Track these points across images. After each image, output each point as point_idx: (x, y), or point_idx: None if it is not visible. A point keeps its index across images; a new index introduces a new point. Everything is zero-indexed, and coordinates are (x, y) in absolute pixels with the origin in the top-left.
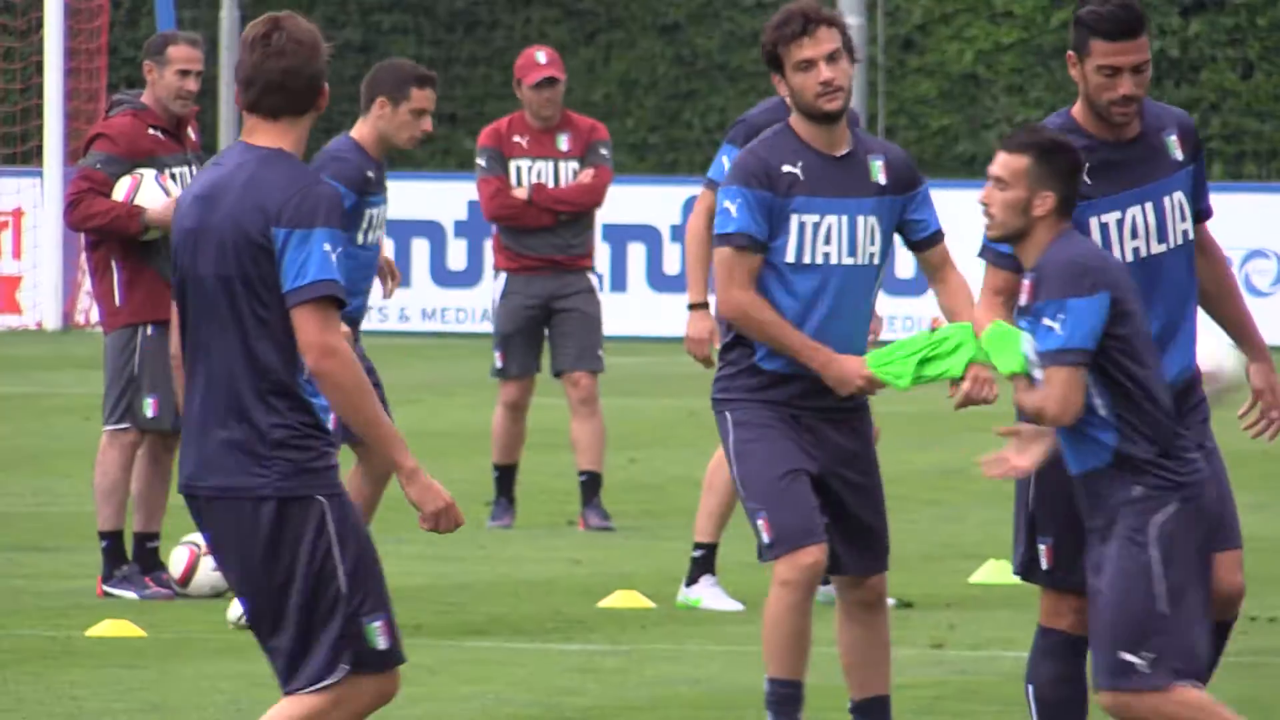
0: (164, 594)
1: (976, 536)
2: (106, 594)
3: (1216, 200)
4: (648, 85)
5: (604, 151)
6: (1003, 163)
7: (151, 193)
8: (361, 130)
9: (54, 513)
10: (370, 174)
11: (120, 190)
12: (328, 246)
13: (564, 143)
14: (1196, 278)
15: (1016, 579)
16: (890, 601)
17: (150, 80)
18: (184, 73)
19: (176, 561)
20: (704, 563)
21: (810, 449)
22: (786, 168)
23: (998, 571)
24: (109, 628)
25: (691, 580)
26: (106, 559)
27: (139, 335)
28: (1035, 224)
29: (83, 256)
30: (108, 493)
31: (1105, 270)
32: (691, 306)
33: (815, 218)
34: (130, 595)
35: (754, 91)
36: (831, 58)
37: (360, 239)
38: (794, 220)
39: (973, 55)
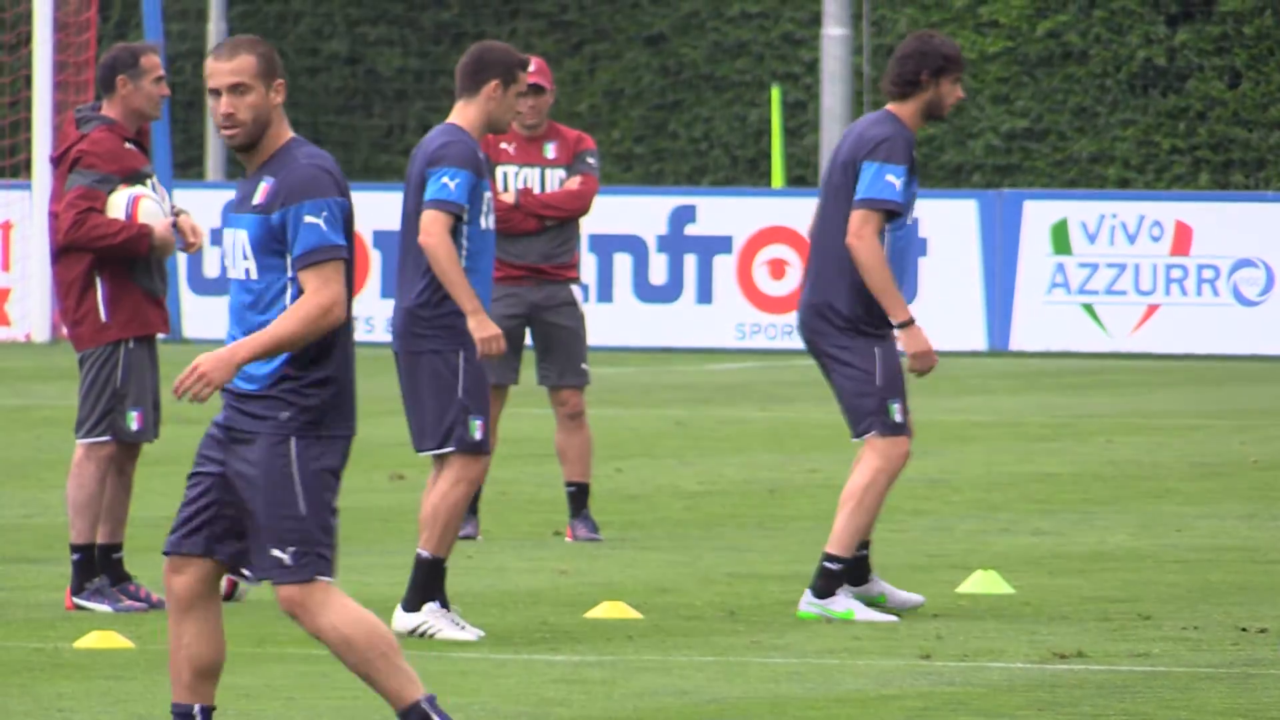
0: (138, 607)
1: (964, 547)
2: (77, 607)
3: (1204, 209)
4: (633, 96)
5: (591, 161)
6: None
7: (152, 211)
8: (466, 115)
9: (41, 524)
10: (481, 156)
11: (117, 208)
12: None
13: (551, 151)
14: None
15: (1005, 589)
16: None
17: (124, 93)
18: (159, 79)
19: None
20: (840, 576)
21: None
22: None
23: (985, 582)
24: (97, 639)
25: (826, 593)
26: (77, 571)
27: (121, 349)
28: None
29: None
30: (83, 505)
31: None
32: (905, 324)
33: None
34: (104, 608)
35: (740, 101)
36: None
37: (483, 223)
38: None
39: None
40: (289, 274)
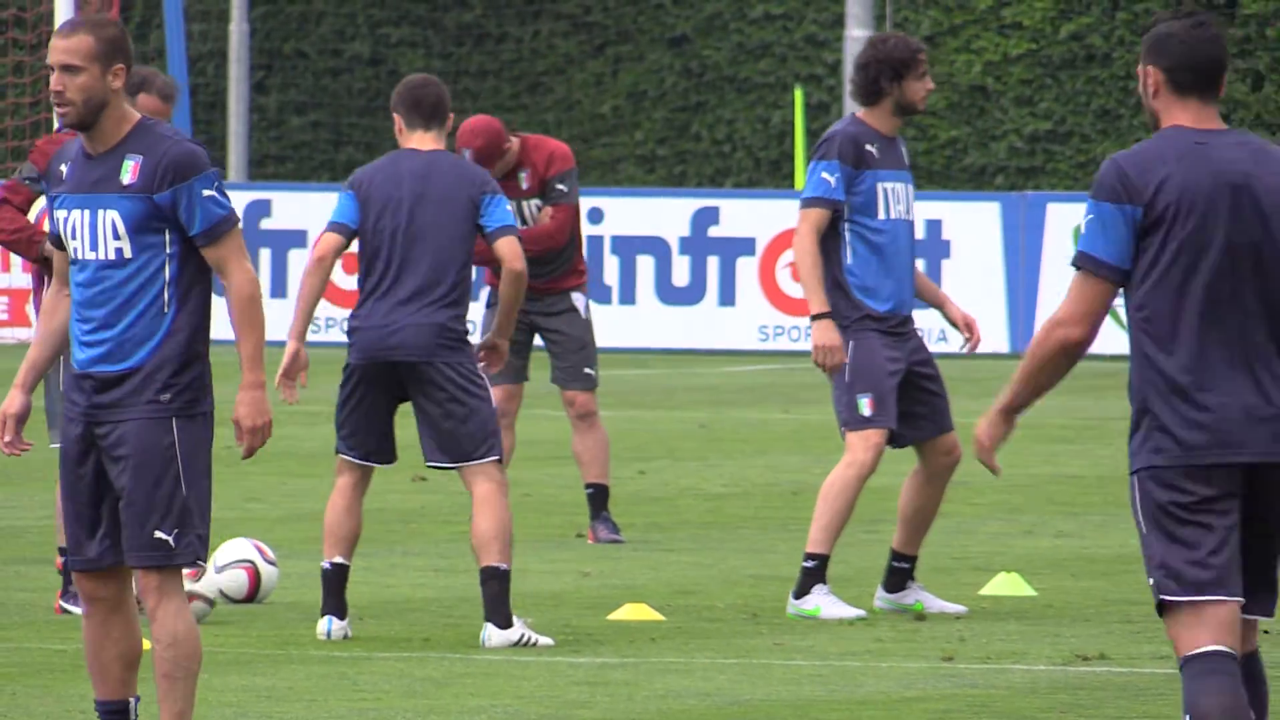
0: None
1: (986, 549)
2: (64, 610)
3: None
4: (656, 97)
5: (561, 187)
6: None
7: None
8: (441, 143)
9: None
10: None
11: (36, 211)
12: None
13: (524, 181)
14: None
15: (1026, 592)
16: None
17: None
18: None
19: (237, 584)
20: (816, 573)
21: None
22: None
23: (1008, 584)
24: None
25: (802, 592)
26: (65, 575)
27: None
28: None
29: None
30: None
31: None
32: (817, 317)
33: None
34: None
35: (763, 103)
36: None
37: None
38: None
39: (981, 67)
40: (168, 250)
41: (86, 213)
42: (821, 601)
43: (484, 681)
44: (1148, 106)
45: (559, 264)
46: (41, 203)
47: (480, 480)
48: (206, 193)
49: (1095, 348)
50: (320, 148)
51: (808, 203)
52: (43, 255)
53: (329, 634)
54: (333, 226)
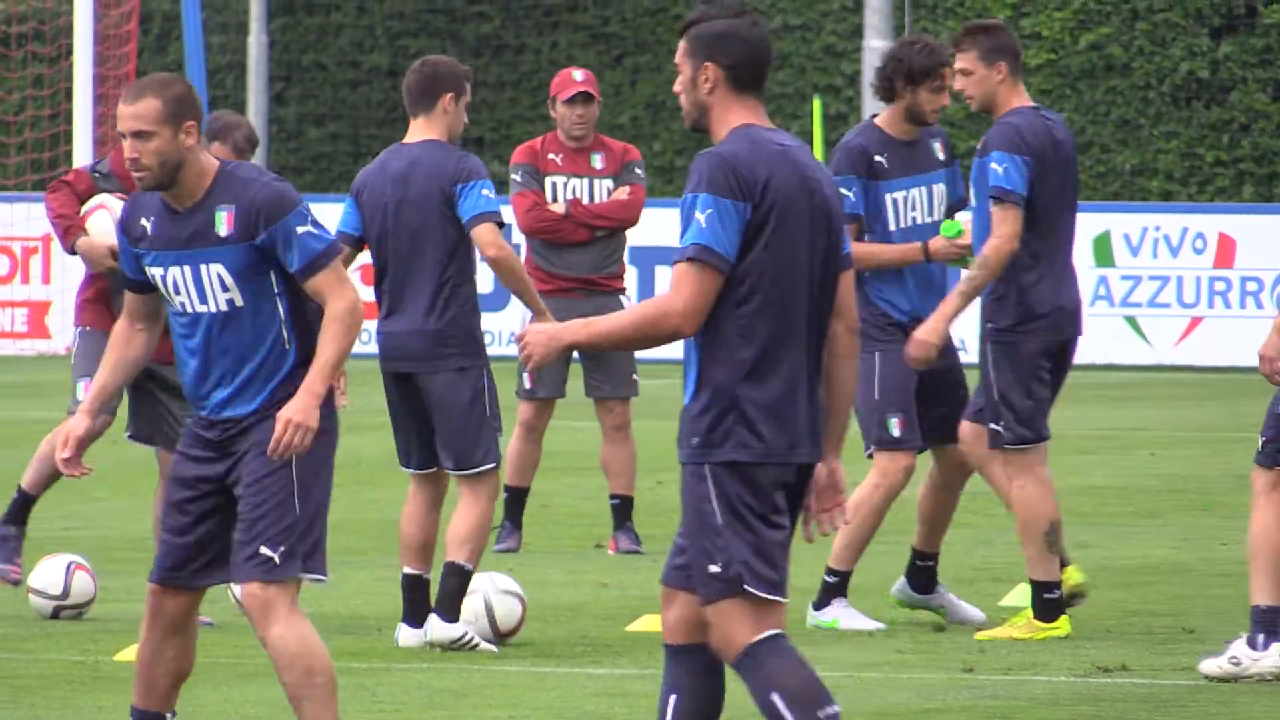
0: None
1: (1007, 560)
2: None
3: (1248, 222)
4: (675, 108)
5: (639, 171)
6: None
7: (98, 222)
8: (433, 130)
9: (82, 537)
10: None
11: (88, 204)
12: None
13: (598, 161)
14: None
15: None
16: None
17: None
18: None
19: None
20: (836, 588)
21: None
22: None
23: (1028, 595)
24: (136, 652)
25: (822, 604)
26: (11, 509)
27: (75, 333)
28: None
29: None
30: (46, 458)
31: None
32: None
33: None
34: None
35: (781, 114)
36: None
37: None
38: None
39: None
40: (276, 290)
41: (188, 269)
42: (840, 614)
43: (502, 693)
44: (698, 102)
45: (614, 257)
46: (92, 199)
47: (474, 483)
48: (301, 229)
49: (1117, 358)
50: (339, 159)
51: None
52: (75, 249)
53: (398, 641)
54: (338, 236)
